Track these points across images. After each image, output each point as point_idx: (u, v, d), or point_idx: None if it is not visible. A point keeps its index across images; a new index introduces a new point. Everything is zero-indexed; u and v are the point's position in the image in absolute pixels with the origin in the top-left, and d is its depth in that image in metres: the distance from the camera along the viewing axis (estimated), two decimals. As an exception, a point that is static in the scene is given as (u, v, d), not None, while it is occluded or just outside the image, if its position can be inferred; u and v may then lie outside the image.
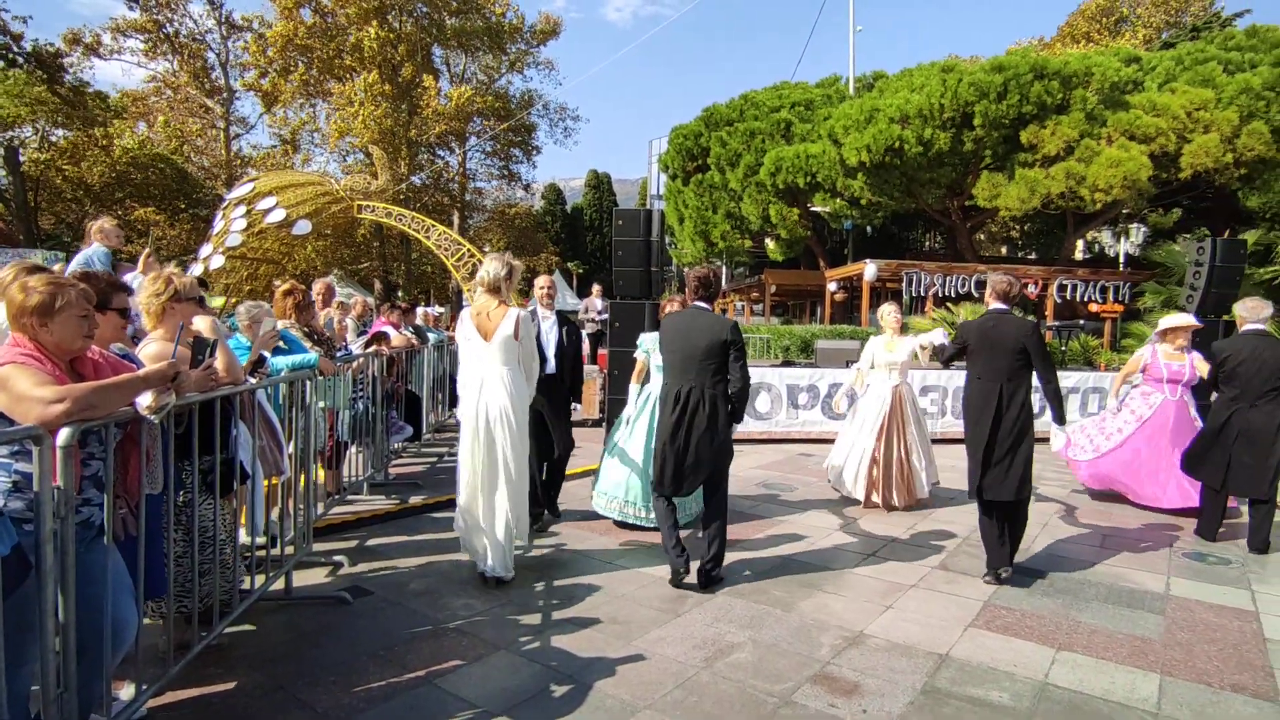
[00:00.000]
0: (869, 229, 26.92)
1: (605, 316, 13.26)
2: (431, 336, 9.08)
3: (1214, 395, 5.69)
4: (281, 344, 4.50)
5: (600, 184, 55.26)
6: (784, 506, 6.21)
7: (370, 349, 6.21)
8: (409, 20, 31.39)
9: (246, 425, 3.47)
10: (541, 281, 5.65)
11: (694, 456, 4.18)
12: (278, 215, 18.23)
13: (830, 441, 9.30)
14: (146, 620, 2.81)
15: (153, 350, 3.06)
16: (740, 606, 4.00)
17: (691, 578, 4.27)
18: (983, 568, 4.64)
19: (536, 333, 4.87)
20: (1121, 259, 24.30)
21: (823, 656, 3.42)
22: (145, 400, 2.38)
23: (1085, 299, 20.28)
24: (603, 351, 11.46)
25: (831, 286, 24.25)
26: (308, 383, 4.22)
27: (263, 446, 3.77)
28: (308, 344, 4.89)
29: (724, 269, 33.92)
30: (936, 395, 9.67)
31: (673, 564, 4.26)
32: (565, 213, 53.95)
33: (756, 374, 9.48)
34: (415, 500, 6.05)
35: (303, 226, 18.95)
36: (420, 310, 11.00)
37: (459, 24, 31.96)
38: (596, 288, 14.05)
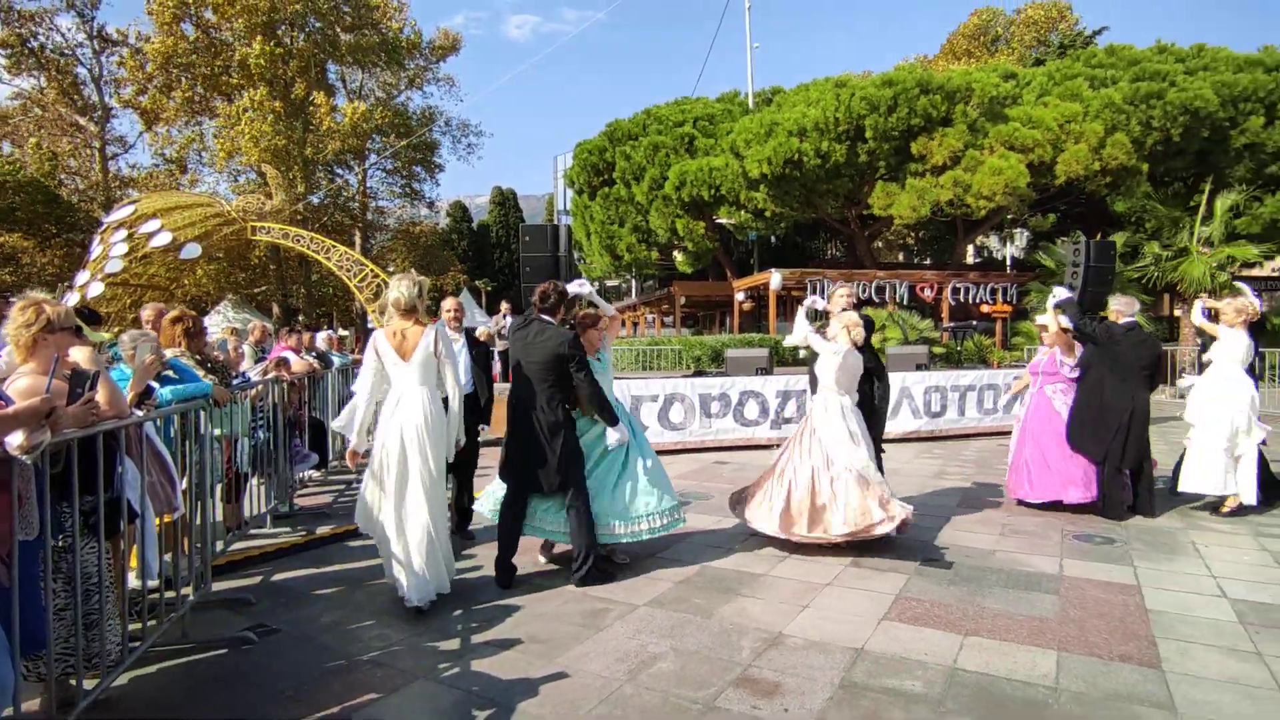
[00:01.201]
0: (773, 239, 27.83)
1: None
2: (336, 360, 8.76)
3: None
4: (172, 373, 4.25)
5: (506, 200, 54.86)
6: (700, 515, 6.29)
7: (270, 375, 5.94)
8: (300, 36, 30.32)
9: (134, 461, 3.25)
10: (448, 304, 5.66)
11: (545, 460, 4.47)
12: (163, 239, 17.22)
13: (745, 448, 9.57)
14: (25, 678, 2.58)
15: (23, 385, 2.82)
16: (661, 616, 4.03)
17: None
18: (894, 563, 4.85)
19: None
20: (1008, 262, 26.00)
21: (744, 660, 3.48)
22: (16, 440, 2.20)
23: (977, 300, 21.61)
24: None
25: (739, 296, 24.85)
26: (201, 413, 4.00)
27: (152, 483, 3.54)
28: (200, 372, 4.64)
29: (633, 282, 34.24)
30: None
31: (501, 579, 4.56)
32: (471, 230, 53.26)
33: (669, 385, 9.60)
34: (323, 530, 5.80)
35: (191, 250, 17.97)
36: (323, 334, 10.60)
37: (354, 40, 31.09)
38: (505, 305, 13.93)
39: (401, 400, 4.16)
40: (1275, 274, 27.22)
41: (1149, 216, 19.95)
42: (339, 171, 34.40)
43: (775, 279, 21.23)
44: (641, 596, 4.32)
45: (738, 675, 3.31)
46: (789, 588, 4.47)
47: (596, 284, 38.17)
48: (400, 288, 4.23)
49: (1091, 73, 20.97)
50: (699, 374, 11.51)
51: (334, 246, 20.05)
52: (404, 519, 4.11)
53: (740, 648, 3.61)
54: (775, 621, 3.93)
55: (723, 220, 23.36)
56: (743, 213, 22.07)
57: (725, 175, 21.04)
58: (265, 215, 25.48)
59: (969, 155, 18.34)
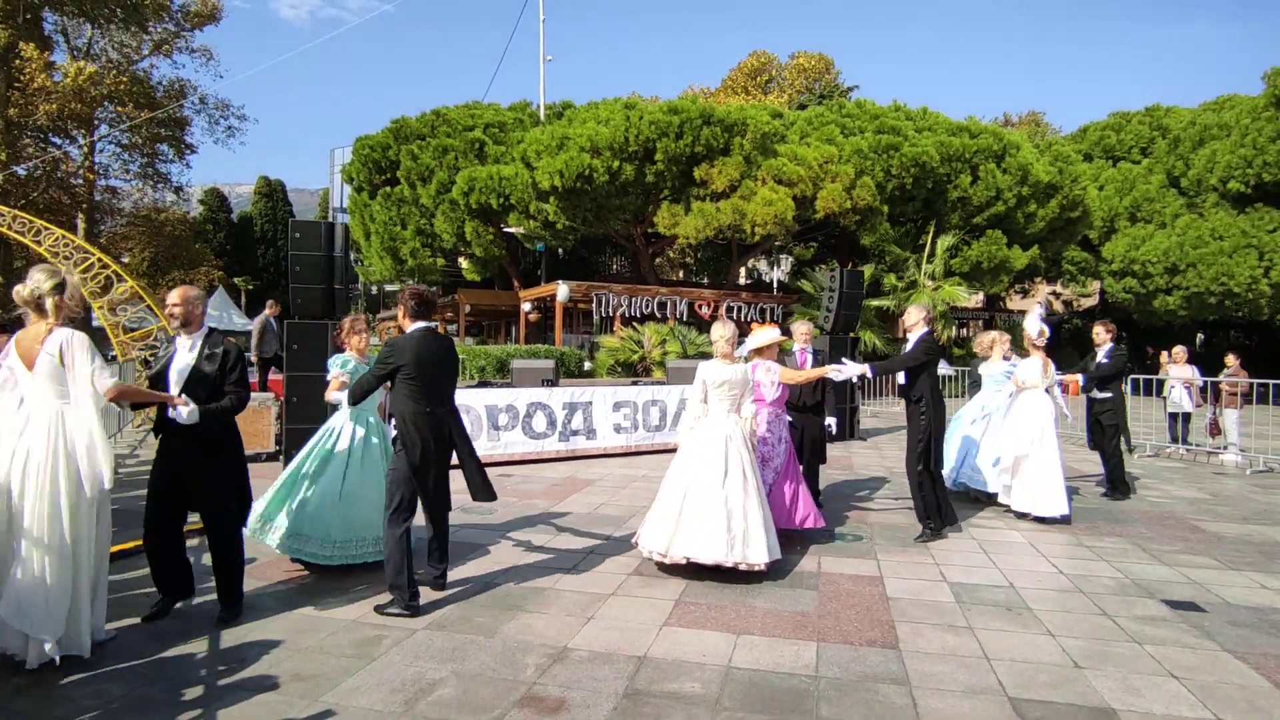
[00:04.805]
0: (560, 251, 28.06)
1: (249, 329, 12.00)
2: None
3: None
4: None
5: (274, 192, 50.08)
6: (485, 531, 6.09)
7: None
8: (5, -28, 25.37)
9: None
10: (174, 297, 4.49)
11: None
12: None
13: (533, 461, 9.43)
14: None
15: None
16: (441, 639, 3.80)
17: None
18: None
19: (168, 360, 4.03)
20: (775, 284, 28.55)
21: (528, 678, 3.38)
22: None
23: (749, 319, 23.43)
24: (276, 377, 10.30)
25: (526, 307, 24.75)
26: None
27: None
28: None
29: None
30: (629, 410, 10.30)
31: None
32: (231, 222, 47.91)
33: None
34: None
35: None
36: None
37: (78, -13, 26.57)
38: (272, 306, 12.67)
39: (31, 419, 3.46)
40: (978, 305, 32.70)
41: (888, 252, 23.07)
42: (56, 140, 29.15)
43: (562, 290, 21.42)
44: (419, 619, 4.06)
45: (522, 694, 3.21)
46: (574, 600, 4.44)
47: (375, 288, 35.99)
48: (32, 278, 3.56)
49: (843, 121, 23.79)
50: (484, 385, 11.23)
51: (47, 228, 16.89)
52: (64, 565, 3.37)
53: (525, 665, 3.51)
54: (560, 636, 3.88)
55: (512, 229, 23.15)
56: (532, 222, 22.01)
57: (515, 184, 20.87)
58: (-52, 185, 20.88)
59: (745, 185, 19.88)
